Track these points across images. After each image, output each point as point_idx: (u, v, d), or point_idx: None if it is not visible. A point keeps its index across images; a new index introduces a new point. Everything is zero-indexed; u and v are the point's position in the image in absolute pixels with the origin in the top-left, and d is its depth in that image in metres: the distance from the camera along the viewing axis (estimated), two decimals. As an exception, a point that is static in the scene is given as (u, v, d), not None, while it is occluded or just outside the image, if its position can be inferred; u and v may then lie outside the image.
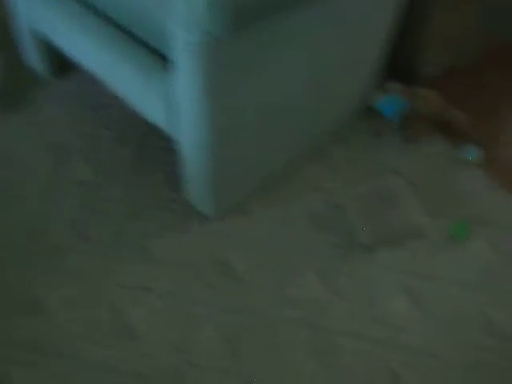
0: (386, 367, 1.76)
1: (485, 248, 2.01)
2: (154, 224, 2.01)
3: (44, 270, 1.89)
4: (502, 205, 2.11)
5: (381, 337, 1.81)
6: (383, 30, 2.04)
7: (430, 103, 2.19)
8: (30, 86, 2.38)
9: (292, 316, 1.84)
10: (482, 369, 1.77)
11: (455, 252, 2.00)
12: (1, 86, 2.33)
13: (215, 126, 1.71)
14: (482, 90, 2.46)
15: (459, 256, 1.99)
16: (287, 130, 2.00)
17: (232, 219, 2.04)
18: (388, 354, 1.78)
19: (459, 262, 1.98)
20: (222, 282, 1.89)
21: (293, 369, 1.74)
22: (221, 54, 1.54)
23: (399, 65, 2.38)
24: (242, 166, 1.93)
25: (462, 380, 1.75)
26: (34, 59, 2.39)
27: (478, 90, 2.46)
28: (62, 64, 2.41)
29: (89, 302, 1.83)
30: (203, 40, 1.50)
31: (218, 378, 1.71)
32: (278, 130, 1.95)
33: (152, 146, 2.20)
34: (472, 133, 2.26)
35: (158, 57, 1.80)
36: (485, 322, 1.86)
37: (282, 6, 1.56)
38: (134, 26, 1.82)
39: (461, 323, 1.85)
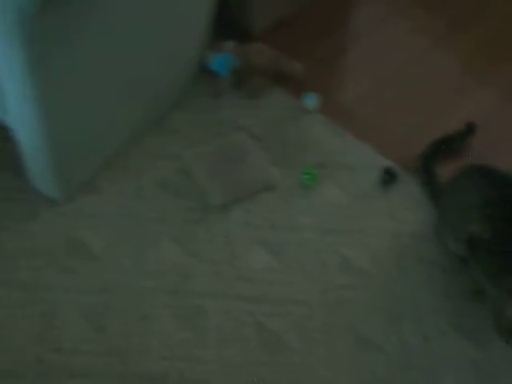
0: (253, 322, 1.78)
1: (334, 191, 2.06)
2: (2, 216, 1.94)
3: None
4: (345, 147, 2.16)
5: (245, 293, 1.83)
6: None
7: (263, 56, 2.21)
8: None
9: (155, 286, 1.83)
10: (344, 306, 1.83)
11: (307, 199, 2.04)
12: None
13: (43, 105, 1.65)
14: (314, 37, 2.50)
15: (311, 202, 2.03)
16: (124, 102, 1.97)
17: (82, 199, 1.99)
18: (254, 309, 1.80)
19: (311, 208, 2.02)
20: (79, 263, 1.86)
21: (163, 337, 1.74)
22: (36, 31, 1.49)
23: (230, 22, 2.38)
24: (81, 143, 1.88)
25: (325, 320, 1.80)
26: None
27: (311, 39, 2.49)
28: None
29: None
30: (16, 18, 1.44)
31: (86, 360, 1.69)
32: (114, 103, 1.92)
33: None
34: (309, 80, 2.30)
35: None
36: (340, 261, 1.91)
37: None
38: None
39: (319, 266, 1.90)
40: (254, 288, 1.84)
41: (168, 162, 2.08)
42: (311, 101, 2.23)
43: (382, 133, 2.22)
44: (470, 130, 2.17)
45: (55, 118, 1.72)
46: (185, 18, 2.01)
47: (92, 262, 1.86)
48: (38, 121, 1.68)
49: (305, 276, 1.88)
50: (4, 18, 1.45)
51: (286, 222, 1.98)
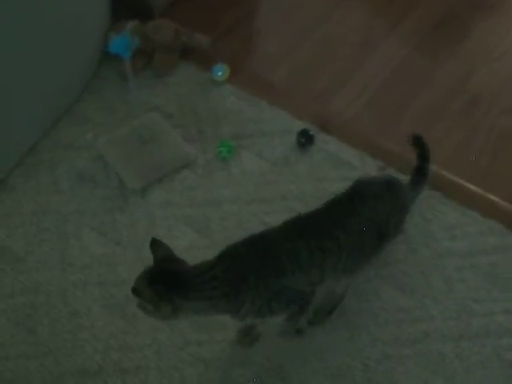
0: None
1: (252, 160, 2.04)
2: None
3: None
4: (260, 115, 2.14)
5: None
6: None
7: (166, 32, 2.16)
8: None
9: (82, 279, 1.80)
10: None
11: (226, 172, 2.02)
12: None
13: None
14: (217, 8, 2.45)
15: (230, 174, 2.01)
16: (32, 93, 1.91)
17: (-5, 200, 1.94)
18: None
19: (231, 180, 2.00)
20: (2, 266, 1.81)
21: (95, 330, 1.72)
22: None
23: (131, 2, 2.33)
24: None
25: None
26: None
27: (214, 10, 2.45)
28: None
29: None
30: None
31: (19, 364, 1.66)
32: (21, 95, 1.87)
33: None
34: (217, 52, 2.27)
35: None
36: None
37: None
38: None
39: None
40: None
41: (81, 151, 2.04)
42: (221, 72, 2.20)
43: (295, 96, 2.21)
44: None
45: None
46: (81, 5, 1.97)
47: (14, 264, 1.82)
48: None
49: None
50: None
51: (208, 197, 1.96)
